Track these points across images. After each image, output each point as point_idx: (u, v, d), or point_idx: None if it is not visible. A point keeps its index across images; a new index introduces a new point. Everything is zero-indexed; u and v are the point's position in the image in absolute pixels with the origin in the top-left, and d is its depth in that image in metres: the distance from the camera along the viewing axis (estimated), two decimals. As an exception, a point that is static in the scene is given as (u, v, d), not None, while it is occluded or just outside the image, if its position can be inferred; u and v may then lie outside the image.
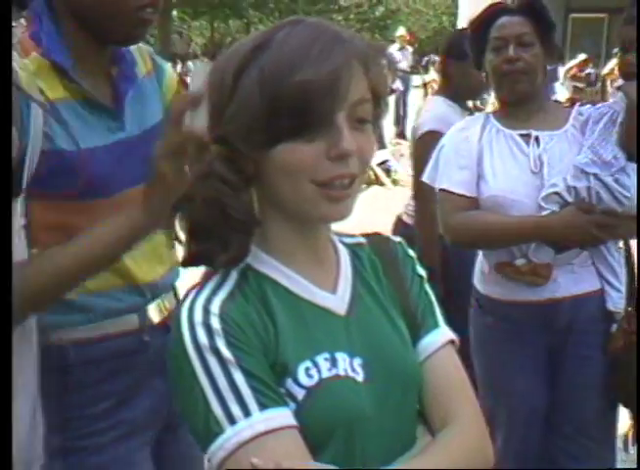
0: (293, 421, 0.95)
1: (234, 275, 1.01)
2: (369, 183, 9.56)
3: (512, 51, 2.16)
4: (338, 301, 1.06)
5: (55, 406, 1.45)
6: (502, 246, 2.19)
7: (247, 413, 0.92)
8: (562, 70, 12.38)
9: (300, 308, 1.02)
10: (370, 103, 1.00)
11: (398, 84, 13.06)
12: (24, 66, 1.34)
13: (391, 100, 12.74)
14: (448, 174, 2.23)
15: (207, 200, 0.97)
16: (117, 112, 1.46)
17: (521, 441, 2.29)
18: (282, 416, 0.94)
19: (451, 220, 2.20)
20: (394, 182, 9.46)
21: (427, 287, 1.16)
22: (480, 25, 2.27)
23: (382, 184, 9.51)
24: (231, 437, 0.92)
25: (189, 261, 1.02)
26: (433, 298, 1.16)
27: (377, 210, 8.26)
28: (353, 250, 1.14)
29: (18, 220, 1.30)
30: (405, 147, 10.02)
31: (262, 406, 0.93)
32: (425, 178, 2.35)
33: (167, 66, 1.68)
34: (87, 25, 1.40)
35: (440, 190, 2.25)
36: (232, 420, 0.92)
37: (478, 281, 2.36)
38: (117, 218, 1.30)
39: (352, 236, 1.18)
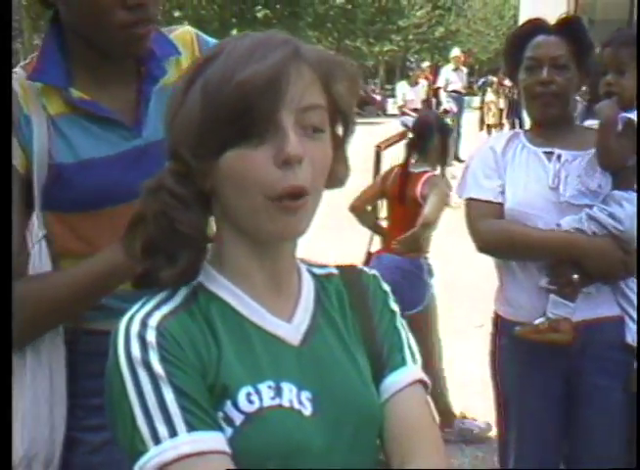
0: (223, 446, 0.89)
1: (182, 292, 0.97)
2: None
3: (545, 73, 2.11)
4: (292, 330, 1.00)
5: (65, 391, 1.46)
6: (529, 257, 2.15)
7: (173, 433, 0.87)
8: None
9: (248, 333, 0.97)
10: (325, 112, 0.96)
11: (452, 105, 12.97)
12: (30, 83, 1.39)
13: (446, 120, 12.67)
14: (475, 183, 2.21)
15: (157, 215, 0.95)
16: (136, 120, 1.44)
17: (533, 465, 2.22)
18: (211, 440, 0.89)
19: (479, 226, 2.16)
20: (444, 204, 9.37)
21: (398, 323, 1.09)
22: (517, 42, 2.22)
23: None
24: (153, 457, 0.87)
25: (138, 282, 0.98)
26: (404, 334, 1.09)
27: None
28: (321, 281, 1.09)
29: (36, 231, 1.42)
30: (457, 168, 9.91)
31: (190, 427, 0.88)
32: (454, 192, 2.33)
33: None
34: (87, 42, 1.41)
35: (468, 199, 2.23)
36: (157, 440, 0.87)
37: (495, 302, 2.32)
38: (102, 254, 1.33)
39: (324, 266, 1.12)
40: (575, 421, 2.18)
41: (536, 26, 2.20)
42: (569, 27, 2.17)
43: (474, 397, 3.77)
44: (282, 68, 0.91)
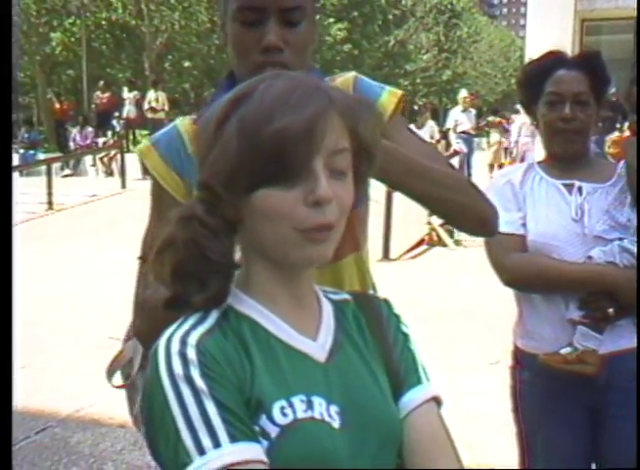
0: (262, 457, 0.93)
1: (215, 314, 1.02)
2: (431, 244, 9.50)
3: (568, 109, 2.10)
4: (318, 347, 1.06)
5: None
6: (560, 290, 2.12)
7: (216, 444, 0.91)
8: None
9: (279, 351, 1.02)
10: (349, 154, 1.02)
11: (462, 146, 13.04)
12: None
13: (455, 162, 12.74)
14: None
15: (187, 242, 0.99)
16: None
17: None
18: (252, 450, 0.93)
19: (507, 261, 2.13)
20: (457, 243, 9.37)
21: (410, 345, 1.16)
22: (536, 74, 2.20)
23: (444, 245, 9.44)
24: (199, 467, 0.90)
25: (168, 304, 1.03)
26: (417, 355, 1.16)
27: (439, 270, 8.19)
28: (338, 305, 1.15)
29: None
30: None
31: (233, 438, 0.92)
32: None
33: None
34: None
35: None
36: (201, 451, 0.91)
37: (514, 335, 2.30)
38: None
39: (338, 292, 1.19)
40: (602, 452, 2.16)
41: (557, 60, 2.19)
42: (589, 62, 2.16)
43: (489, 433, 3.76)
44: (318, 118, 0.97)
